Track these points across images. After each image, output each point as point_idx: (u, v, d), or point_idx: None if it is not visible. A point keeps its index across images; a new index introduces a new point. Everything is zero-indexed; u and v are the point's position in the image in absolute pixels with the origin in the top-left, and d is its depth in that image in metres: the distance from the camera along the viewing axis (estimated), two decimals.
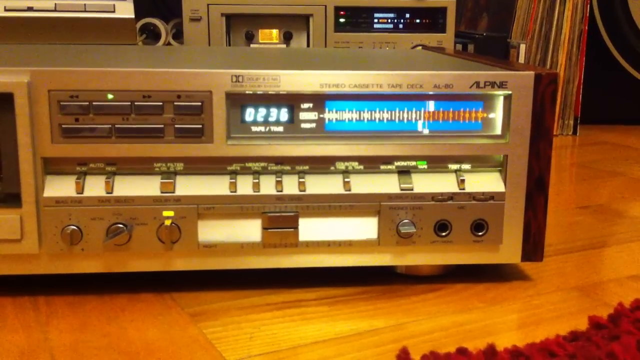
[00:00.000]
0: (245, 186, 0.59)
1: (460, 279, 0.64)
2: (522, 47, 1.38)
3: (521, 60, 1.40)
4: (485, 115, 0.61)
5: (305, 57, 0.76)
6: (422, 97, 0.60)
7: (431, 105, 0.60)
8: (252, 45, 1.34)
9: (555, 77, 0.60)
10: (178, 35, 1.46)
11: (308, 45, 1.35)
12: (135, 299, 0.60)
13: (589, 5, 1.43)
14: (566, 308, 0.59)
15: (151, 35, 1.46)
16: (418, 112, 0.60)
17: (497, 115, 0.61)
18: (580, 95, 1.45)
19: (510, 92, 0.60)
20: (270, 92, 0.58)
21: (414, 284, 0.64)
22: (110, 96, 0.57)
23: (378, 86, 0.59)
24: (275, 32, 1.34)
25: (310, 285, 0.62)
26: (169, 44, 1.45)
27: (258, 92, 0.58)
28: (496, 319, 0.57)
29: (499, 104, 0.61)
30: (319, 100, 0.59)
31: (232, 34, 1.34)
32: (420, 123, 0.61)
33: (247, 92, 0.58)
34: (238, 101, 0.59)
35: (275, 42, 1.34)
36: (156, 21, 1.44)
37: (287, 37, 1.34)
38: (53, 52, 0.73)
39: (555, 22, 1.42)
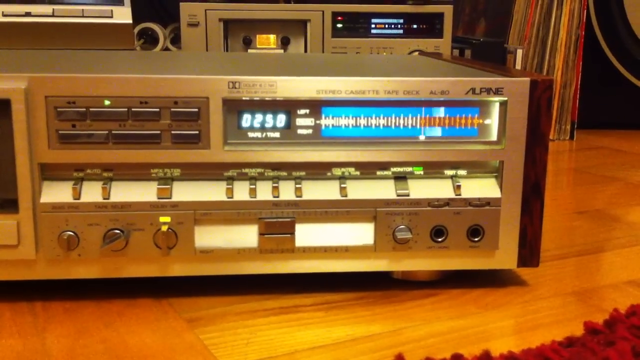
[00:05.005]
0: (241, 192, 0.59)
1: (457, 284, 0.64)
2: (519, 52, 1.39)
3: (518, 65, 1.40)
4: (481, 121, 0.61)
5: (302, 62, 0.76)
6: (418, 103, 0.60)
7: (427, 111, 0.61)
8: (249, 51, 1.34)
9: (550, 83, 0.60)
10: (176, 40, 1.46)
11: (306, 50, 1.35)
12: (132, 305, 0.60)
13: (585, 10, 1.43)
14: (562, 314, 0.60)
15: (149, 40, 1.46)
16: (414, 118, 0.61)
17: (493, 121, 0.61)
18: (577, 100, 1.46)
19: (506, 99, 0.60)
20: (266, 98, 0.59)
21: (411, 289, 0.64)
22: (107, 102, 0.57)
23: (374, 92, 0.59)
24: (272, 37, 1.34)
25: (306, 290, 0.63)
26: (166, 48, 1.45)
27: (255, 98, 0.59)
28: (492, 324, 0.58)
29: (495, 110, 0.61)
30: (316, 106, 0.60)
31: (229, 39, 1.34)
32: (416, 129, 0.61)
33: (243, 98, 0.58)
34: (235, 107, 0.59)
35: (273, 47, 1.34)
36: (154, 26, 1.45)
37: (284, 43, 1.34)
38: (50, 58, 0.73)
39: (552, 27, 1.43)
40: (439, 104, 0.60)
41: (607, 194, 1.02)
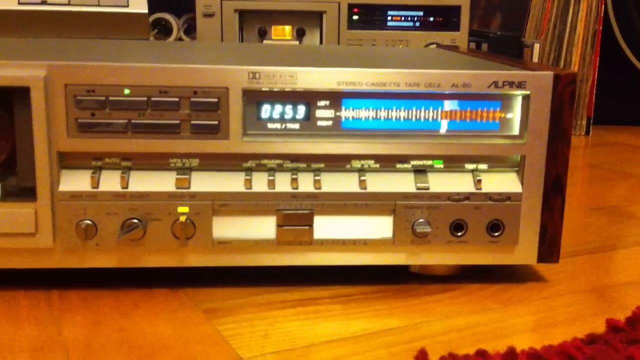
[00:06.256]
0: (260, 183, 0.59)
1: (474, 279, 0.64)
2: (536, 46, 1.38)
3: (535, 59, 1.39)
4: (503, 115, 0.60)
5: (320, 54, 0.76)
6: (440, 96, 0.60)
7: (448, 104, 0.60)
8: (264, 42, 1.33)
9: (574, 77, 0.60)
10: (189, 30, 1.46)
11: (321, 42, 1.34)
12: (148, 295, 0.59)
13: (603, 5, 1.42)
14: (582, 310, 0.59)
15: (163, 30, 1.46)
16: (435, 111, 0.60)
17: (515, 115, 0.60)
18: (594, 96, 1.45)
19: (528, 92, 0.59)
20: (286, 89, 0.58)
21: (428, 283, 0.63)
22: (126, 91, 0.56)
23: (395, 84, 0.59)
24: (288, 28, 1.34)
25: (324, 283, 0.62)
26: (180, 39, 1.45)
27: (274, 89, 0.58)
28: (511, 320, 0.57)
29: (517, 104, 0.60)
30: (336, 98, 0.59)
31: (244, 30, 1.34)
32: (437, 122, 0.60)
33: (263, 89, 0.58)
34: (254, 98, 0.58)
35: (288, 38, 1.34)
36: (168, 16, 1.44)
37: (300, 34, 1.34)
38: (69, 47, 0.72)
39: (569, 22, 1.42)
40: (460, 97, 0.60)
41: (623, 191, 1.01)
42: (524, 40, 1.42)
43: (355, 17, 1.34)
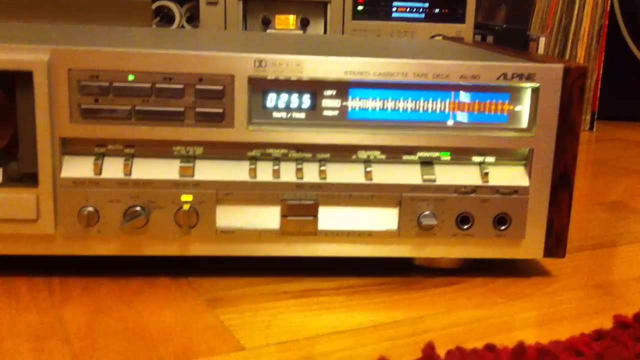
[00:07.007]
0: (265, 172, 0.58)
1: (479, 273, 0.63)
2: (542, 40, 1.37)
3: (540, 53, 1.38)
4: (511, 107, 0.60)
5: (326, 43, 0.75)
6: (448, 88, 0.59)
7: (456, 95, 0.59)
8: (268, 31, 1.33)
9: (584, 70, 0.59)
10: (191, 19, 1.45)
11: (325, 32, 1.34)
12: (151, 284, 0.59)
13: (609, 0, 1.41)
14: (587, 306, 0.58)
15: (165, 18, 1.45)
16: (443, 103, 0.59)
17: (524, 108, 0.60)
18: (598, 91, 1.44)
19: (538, 85, 0.59)
20: (293, 78, 0.57)
21: (433, 276, 0.63)
22: (131, 77, 0.56)
23: (403, 75, 0.58)
24: (292, 18, 1.33)
25: (328, 274, 0.62)
26: (182, 27, 1.44)
27: (280, 78, 0.57)
28: (516, 314, 0.56)
29: (526, 96, 0.59)
30: (343, 88, 0.58)
31: (248, 19, 1.33)
32: (444, 114, 0.59)
33: (269, 77, 0.57)
34: (260, 86, 0.58)
35: (292, 28, 1.33)
36: (170, 4, 1.43)
37: (304, 24, 1.33)
38: (73, 32, 0.72)
39: (575, 16, 1.41)
40: (469, 88, 0.59)
41: (626, 186, 1.00)
42: (530, 34, 1.42)
43: (360, 8, 1.33)
